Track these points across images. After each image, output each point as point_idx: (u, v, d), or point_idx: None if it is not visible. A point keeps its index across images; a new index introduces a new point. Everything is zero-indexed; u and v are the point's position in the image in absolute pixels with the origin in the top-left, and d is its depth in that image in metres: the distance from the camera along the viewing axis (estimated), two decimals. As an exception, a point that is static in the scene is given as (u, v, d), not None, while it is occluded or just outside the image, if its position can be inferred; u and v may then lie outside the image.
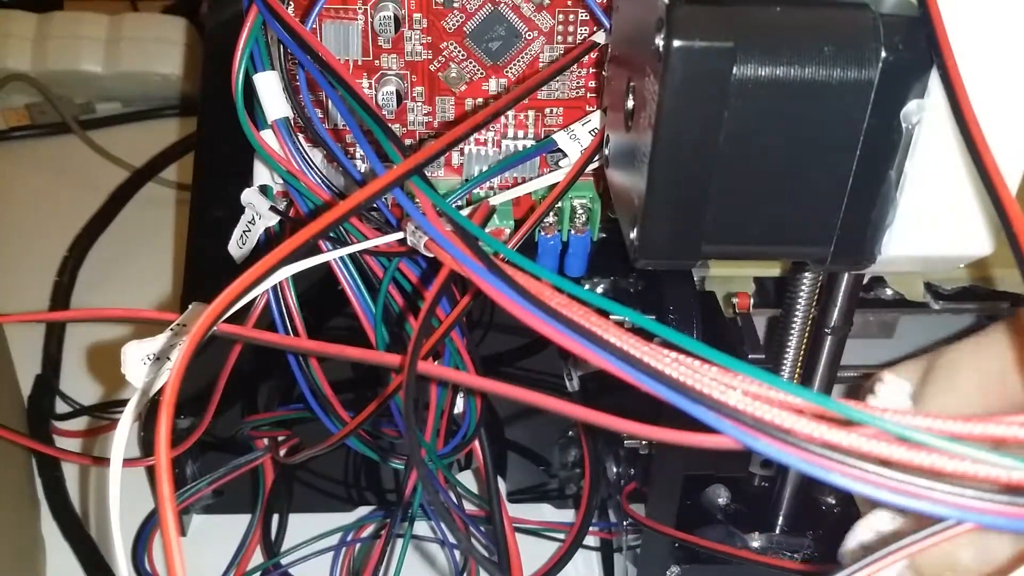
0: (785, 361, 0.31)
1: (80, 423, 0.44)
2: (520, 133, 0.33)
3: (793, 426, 0.15)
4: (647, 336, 0.17)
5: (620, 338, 0.16)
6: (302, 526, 0.39)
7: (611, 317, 0.17)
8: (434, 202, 0.21)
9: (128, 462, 0.37)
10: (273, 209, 0.30)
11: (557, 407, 0.16)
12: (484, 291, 0.17)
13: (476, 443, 0.33)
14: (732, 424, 0.15)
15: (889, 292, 0.34)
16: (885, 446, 0.14)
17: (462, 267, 0.18)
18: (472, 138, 0.33)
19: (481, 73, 0.32)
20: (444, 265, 0.20)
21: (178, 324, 0.22)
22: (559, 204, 0.31)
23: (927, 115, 0.20)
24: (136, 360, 0.20)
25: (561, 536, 0.39)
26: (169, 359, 0.20)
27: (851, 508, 0.33)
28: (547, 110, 0.32)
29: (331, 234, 0.29)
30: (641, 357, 0.16)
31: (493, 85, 0.32)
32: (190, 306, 0.23)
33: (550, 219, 0.32)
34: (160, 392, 0.17)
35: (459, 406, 0.33)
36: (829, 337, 0.29)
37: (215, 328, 0.17)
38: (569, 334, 0.16)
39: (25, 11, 0.65)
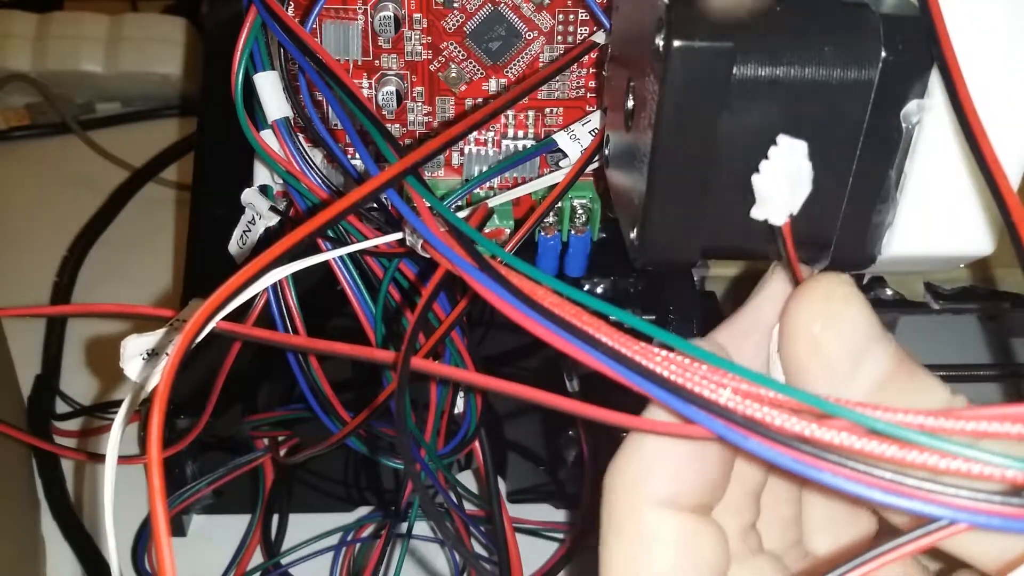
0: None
1: (81, 423, 0.44)
2: (520, 133, 0.33)
3: (784, 424, 0.15)
4: (645, 337, 0.17)
5: (611, 337, 0.16)
6: (302, 526, 0.39)
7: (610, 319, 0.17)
8: (428, 202, 0.21)
9: (123, 459, 0.37)
10: (273, 209, 0.30)
11: (556, 402, 0.16)
12: (477, 291, 0.17)
13: (476, 443, 0.33)
14: (723, 423, 0.15)
15: (889, 292, 0.34)
16: (876, 444, 0.14)
17: (455, 267, 0.18)
18: (472, 138, 0.33)
19: (481, 73, 0.32)
20: (440, 265, 0.20)
21: (177, 320, 0.22)
22: (559, 204, 0.31)
23: (927, 115, 0.20)
24: (135, 354, 0.20)
25: (561, 536, 0.39)
26: (167, 355, 0.20)
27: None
28: (547, 110, 0.32)
29: (330, 234, 0.29)
30: (632, 356, 0.16)
31: (493, 85, 0.32)
32: (190, 302, 0.23)
33: (550, 219, 0.32)
34: (154, 389, 0.17)
35: (459, 406, 0.33)
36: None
37: (214, 325, 0.17)
38: (560, 334, 0.16)
39: (25, 11, 0.65)
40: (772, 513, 0.20)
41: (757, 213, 0.19)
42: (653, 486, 0.17)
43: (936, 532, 0.15)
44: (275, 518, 0.39)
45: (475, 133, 0.33)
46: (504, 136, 0.33)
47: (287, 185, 0.29)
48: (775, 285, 0.19)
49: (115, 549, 0.17)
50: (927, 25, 0.19)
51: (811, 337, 0.17)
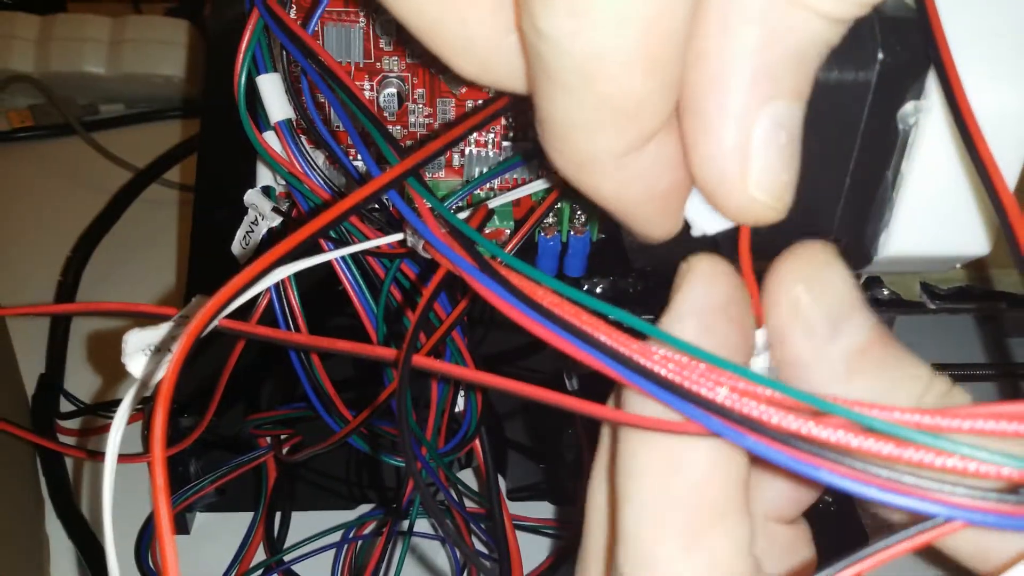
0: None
1: (84, 422, 0.44)
2: (520, 134, 0.33)
3: (780, 422, 0.15)
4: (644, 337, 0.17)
5: (610, 336, 0.16)
6: (304, 523, 0.39)
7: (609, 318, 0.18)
8: (429, 203, 0.21)
9: (127, 457, 0.37)
10: (276, 210, 0.30)
11: (556, 400, 0.17)
12: (476, 291, 0.18)
13: (477, 441, 0.33)
14: (721, 421, 0.15)
15: (885, 292, 0.35)
16: (873, 442, 0.14)
17: (456, 267, 0.19)
18: (472, 139, 0.33)
19: (482, 74, 0.32)
20: (441, 266, 0.20)
21: (181, 316, 0.22)
22: (559, 205, 0.31)
23: (924, 116, 0.20)
24: (137, 349, 0.20)
25: (561, 534, 0.39)
26: (170, 351, 0.20)
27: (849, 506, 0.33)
28: (547, 111, 0.32)
29: (333, 234, 0.29)
30: (630, 355, 0.16)
31: (494, 86, 0.32)
32: (194, 299, 0.23)
33: (550, 220, 0.32)
34: (158, 384, 0.17)
35: (460, 405, 0.33)
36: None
37: (217, 323, 0.17)
38: (560, 333, 0.16)
39: (28, 13, 0.66)
40: None
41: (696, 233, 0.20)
42: None
43: (932, 530, 0.15)
44: (277, 516, 0.39)
45: (476, 134, 0.33)
46: (505, 137, 0.33)
47: (290, 186, 0.29)
48: (700, 265, 0.19)
49: (113, 547, 0.17)
50: (924, 27, 0.19)
51: (792, 298, 0.18)
